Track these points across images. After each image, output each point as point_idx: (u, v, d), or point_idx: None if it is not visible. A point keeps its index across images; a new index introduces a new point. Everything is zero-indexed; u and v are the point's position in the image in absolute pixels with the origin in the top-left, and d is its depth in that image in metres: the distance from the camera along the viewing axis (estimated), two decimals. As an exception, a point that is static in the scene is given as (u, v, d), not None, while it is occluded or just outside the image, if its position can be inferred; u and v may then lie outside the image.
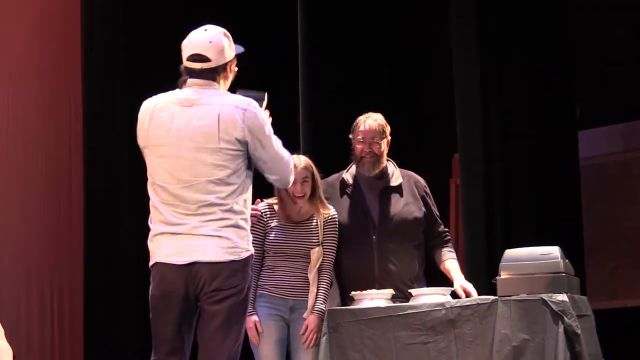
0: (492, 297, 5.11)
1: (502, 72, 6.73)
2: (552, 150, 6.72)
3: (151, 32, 8.19)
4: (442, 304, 5.18)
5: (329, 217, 5.71)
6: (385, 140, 5.80)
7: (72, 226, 8.18)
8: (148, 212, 4.58)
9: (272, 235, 5.65)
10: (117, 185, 7.97)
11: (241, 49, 4.66)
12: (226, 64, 4.55)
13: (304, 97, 7.54)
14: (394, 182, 5.83)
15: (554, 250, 5.16)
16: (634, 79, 7.70)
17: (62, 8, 8.31)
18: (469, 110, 6.71)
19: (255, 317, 5.54)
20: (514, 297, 5.05)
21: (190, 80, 4.52)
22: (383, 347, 5.23)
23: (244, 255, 4.46)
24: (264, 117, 4.53)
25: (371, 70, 7.83)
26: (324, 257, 5.65)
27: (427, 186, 5.91)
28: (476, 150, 6.67)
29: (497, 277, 5.18)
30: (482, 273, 6.40)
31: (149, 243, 4.53)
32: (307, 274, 5.61)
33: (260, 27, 8.19)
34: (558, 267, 5.09)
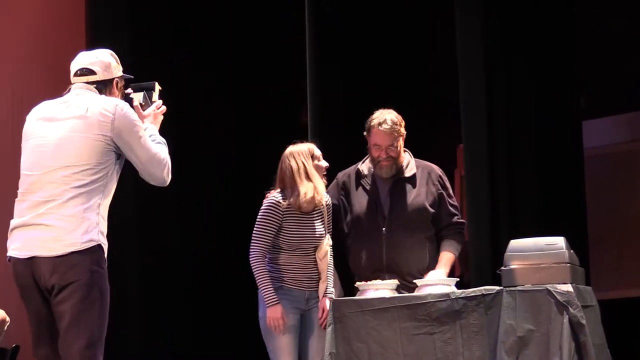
0: (497, 288, 5.11)
1: (506, 62, 6.71)
2: (556, 140, 6.71)
3: (154, 29, 8.16)
4: (447, 295, 5.18)
5: (327, 203, 5.77)
6: (401, 138, 5.80)
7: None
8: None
9: (289, 230, 5.66)
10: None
11: (131, 77, 4.77)
12: (112, 79, 4.62)
13: (311, 93, 7.51)
14: (408, 173, 5.83)
15: (559, 241, 5.16)
16: (638, 68, 7.69)
17: (66, 3, 8.30)
18: (473, 101, 6.69)
19: (281, 307, 5.59)
20: (519, 288, 5.06)
21: (73, 85, 4.61)
22: (388, 337, 5.23)
23: (86, 246, 4.38)
24: (133, 117, 4.52)
25: (377, 63, 7.82)
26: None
27: (443, 176, 5.91)
28: (480, 141, 6.66)
29: (502, 268, 5.18)
30: (487, 263, 6.40)
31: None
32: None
33: (266, 24, 8.18)
34: (563, 258, 5.09)
